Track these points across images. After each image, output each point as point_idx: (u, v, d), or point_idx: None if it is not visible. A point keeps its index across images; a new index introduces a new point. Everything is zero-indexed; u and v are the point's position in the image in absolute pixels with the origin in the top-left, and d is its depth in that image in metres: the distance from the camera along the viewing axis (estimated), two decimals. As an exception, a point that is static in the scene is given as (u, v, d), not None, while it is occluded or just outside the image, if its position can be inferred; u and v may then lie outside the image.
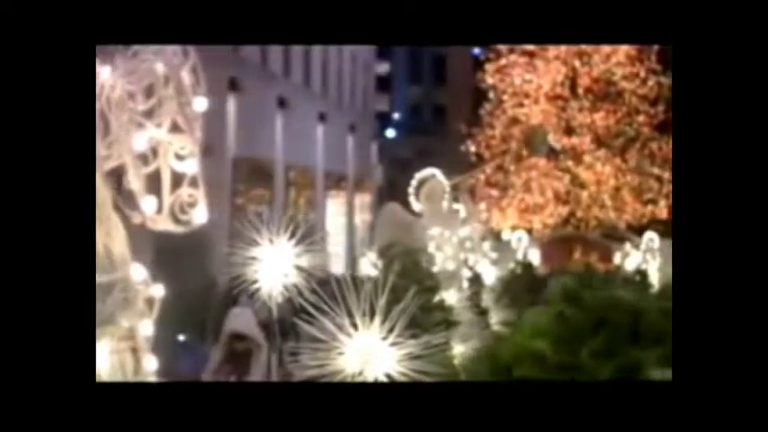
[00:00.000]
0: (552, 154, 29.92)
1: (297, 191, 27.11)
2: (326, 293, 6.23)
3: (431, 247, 10.38)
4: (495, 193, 30.21)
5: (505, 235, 25.22)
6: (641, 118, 30.41)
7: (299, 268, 6.56)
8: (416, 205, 11.76)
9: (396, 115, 46.72)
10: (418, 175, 12.28)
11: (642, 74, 30.38)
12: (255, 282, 6.66)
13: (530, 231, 28.39)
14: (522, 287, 18.29)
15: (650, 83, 30.33)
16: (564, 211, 30.12)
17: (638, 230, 26.55)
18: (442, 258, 10.44)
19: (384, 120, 42.98)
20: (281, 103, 24.59)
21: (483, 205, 28.67)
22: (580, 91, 30.25)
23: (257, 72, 23.63)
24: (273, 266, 6.63)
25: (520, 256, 22.57)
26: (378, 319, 6.32)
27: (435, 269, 10.00)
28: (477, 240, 13.44)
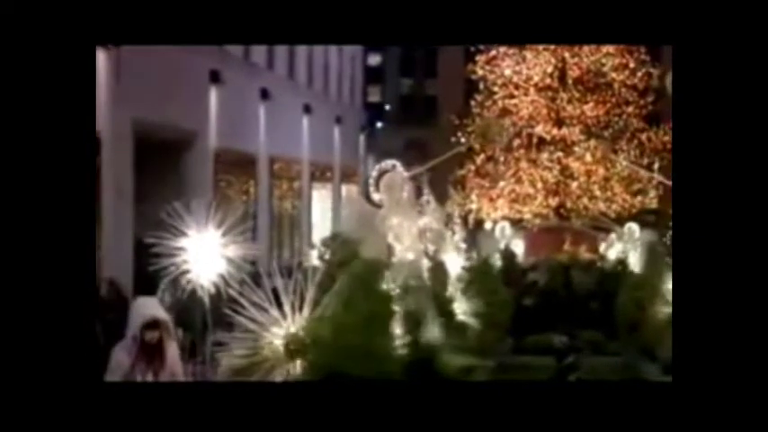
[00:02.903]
0: (543, 145, 29.84)
1: (282, 182, 27.12)
2: (257, 284, 6.25)
3: (390, 238, 10.43)
4: (485, 183, 30.14)
5: (488, 225, 25.23)
6: (630, 109, 30.30)
7: (228, 259, 6.57)
8: (376, 196, 11.83)
9: (387, 106, 46.63)
10: (378, 167, 12.35)
11: (631, 65, 30.26)
12: (185, 272, 6.67)
13: (520, 221, 28.34)
14: (501, 277, 18.34)
15: (639, 74, 30.22)
16: (554, 201, 30.03)
17: (628, 221, 26.53)
18: (400, 248, 10.49)
19: (375, 111, 42.90)
20: (264, 94, 24.54)
21: (474, 196, 28.65)
22: (570, 82, 30.12)
23: (239, 64, 23.59)
24: (202, 257, 6.64)
25: (502, 246, 22.59)
26: (306, 310, 6.34)
27: (394, 259, 10.02)
28: (443, 230, 13.48)
